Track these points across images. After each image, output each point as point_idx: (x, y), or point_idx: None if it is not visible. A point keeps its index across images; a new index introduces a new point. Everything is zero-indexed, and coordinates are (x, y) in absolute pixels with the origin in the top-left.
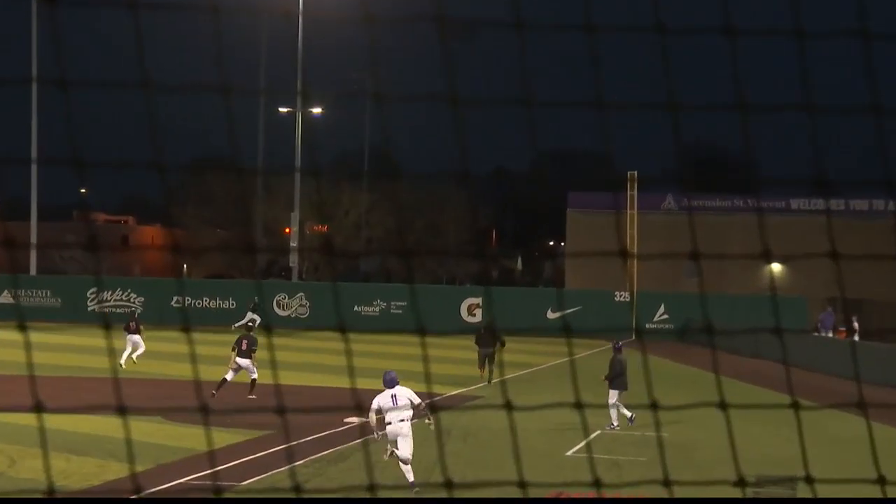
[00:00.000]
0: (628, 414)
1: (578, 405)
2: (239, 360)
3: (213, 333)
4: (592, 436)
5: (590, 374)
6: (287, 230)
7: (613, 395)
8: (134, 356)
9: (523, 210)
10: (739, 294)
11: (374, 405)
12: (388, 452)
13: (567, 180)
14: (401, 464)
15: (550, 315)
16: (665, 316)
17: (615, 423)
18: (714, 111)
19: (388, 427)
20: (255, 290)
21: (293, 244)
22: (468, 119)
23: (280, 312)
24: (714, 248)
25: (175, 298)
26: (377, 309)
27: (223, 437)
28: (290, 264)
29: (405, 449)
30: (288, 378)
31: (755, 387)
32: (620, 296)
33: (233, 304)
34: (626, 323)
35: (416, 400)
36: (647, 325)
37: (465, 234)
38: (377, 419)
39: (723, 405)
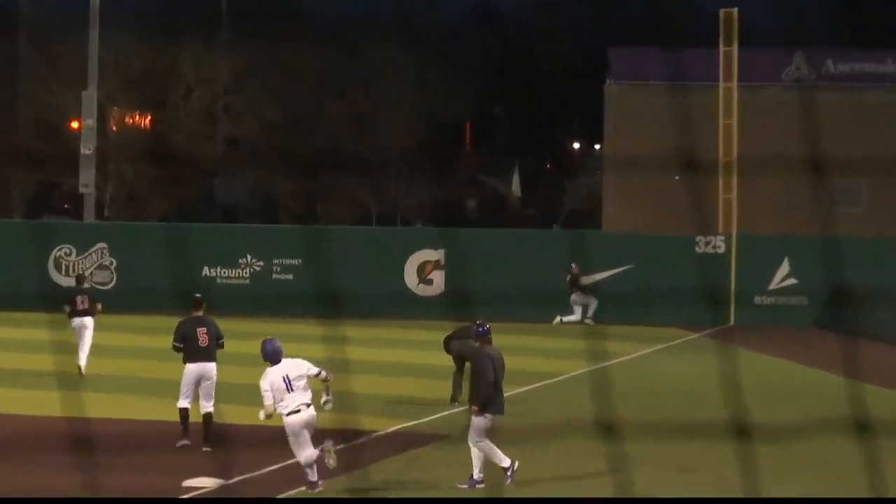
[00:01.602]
0: (503, 463)
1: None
2: None
3: None
4: None
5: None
6: (75, 123)
7: (480, 426)
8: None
9: (523, 84)
10: None
11: (265, 386)
12: (328, 454)
13: (606, 26)
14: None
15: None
16: (791, 280)
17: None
18: None
19: (292, 419)
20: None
21: (86, 150)
22: None
23: (61, 278)
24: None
25: None
26: (246, 272)
27: None
28: (82, 189)
29: (308, 448)
30: (77, 405)
31: None
32: (707, 243)
33: None
34: (717, 293)
35: (314, 370)
36: (757, 298)
37: (416, 132)
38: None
39: None
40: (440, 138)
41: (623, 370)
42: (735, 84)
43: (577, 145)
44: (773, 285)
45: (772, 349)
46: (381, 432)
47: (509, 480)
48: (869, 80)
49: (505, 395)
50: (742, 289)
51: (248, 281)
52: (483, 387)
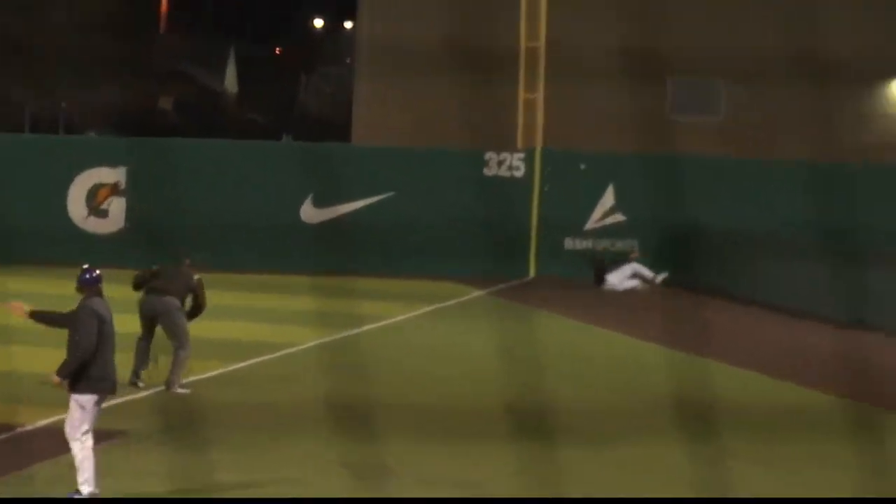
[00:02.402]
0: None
1: None
2: None
3: None
4: None
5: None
6: None
7: (78, 414)
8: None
9: None
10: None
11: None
12: None
13: None
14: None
15: (310, 214)
16: (618, 216)
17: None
18: None
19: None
20: None
21: None
22: None
23: None
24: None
25: None
26: None
27: None
28: None
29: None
30: None
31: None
32: (500, 163)
33: None
34: (512, 233)
35: None
36: (569, 241)
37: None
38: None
39: None
40: (123, 10)
41: (371, 340)
42: None
43: (319, 22)
44: (591, 223)
45: (584, 313)
46: (26, 428)
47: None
48: None
49: (216, 372)
50: (548, 228)
51: None
52: (82, 355)
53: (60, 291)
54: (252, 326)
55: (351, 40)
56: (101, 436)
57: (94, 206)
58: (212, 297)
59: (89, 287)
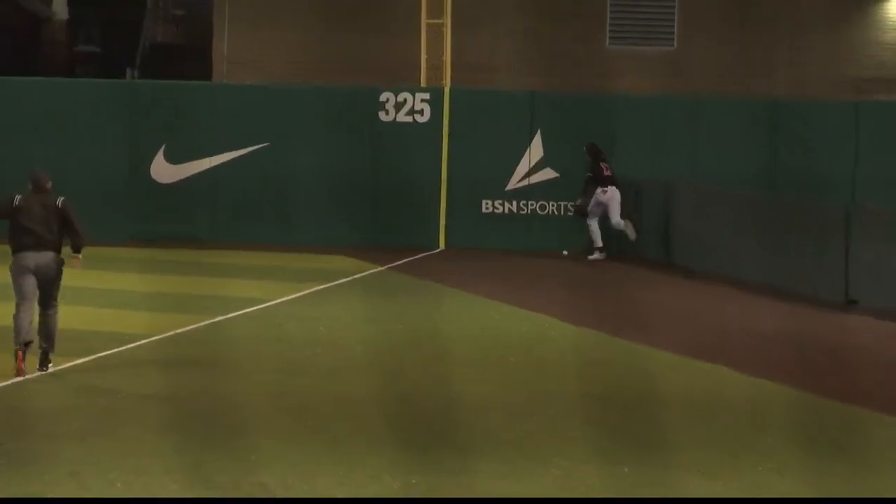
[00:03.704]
0: None
1: None
2: None
3: None
4: None
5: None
6: None
7: None
8: None
9: None
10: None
11: None
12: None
13: None
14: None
15: (162, 171)
16: (548, 171)
17: None
18: None
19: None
20: None
21: None
22: None
23: None
24: None
25: None
26: None
27: None
28: None
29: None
30: None
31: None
32: (400, 106)
33: None
34: (416, 195)
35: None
36: (487, 203)
37: None
38: None
39: None
40: None
41: (236, 329)
42: None
43: None
44: (514, 182)
45: (505, 290)
46: None
47: None
48: None
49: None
50: (458, 186)
51: None
52: None
53: None
54: (91, 313)
55: None
56: None
57: None
58: None
59: None
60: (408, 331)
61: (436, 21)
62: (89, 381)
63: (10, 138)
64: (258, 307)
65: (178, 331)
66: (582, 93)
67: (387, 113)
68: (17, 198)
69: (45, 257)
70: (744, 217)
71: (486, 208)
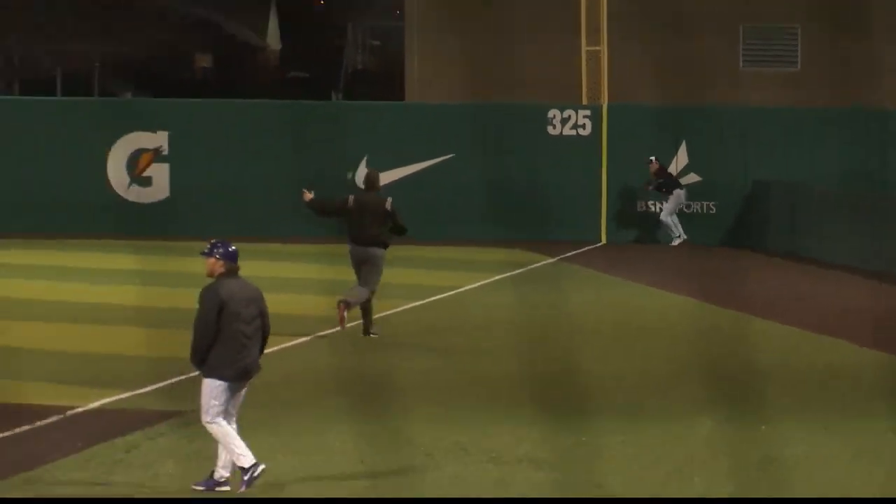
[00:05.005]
0: (240, 461)
1: None
2: None
3: None
4: None
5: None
6: None
7: (210, 395)
8: None
9: None
10: None
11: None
12: None
13: None
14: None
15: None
16: (693, 176)
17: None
18: None
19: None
20: None
21: None
22: None
23: None
24: None
25: None
26: None
27: None
28: None
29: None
30: None
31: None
32: (565, 121)
33: None
34: (579, 196)
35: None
36: (641, 203)
37: None
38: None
39: None
40: None
41: (439, 311)
42: None
43: None
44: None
45: (661, 279)
46: (76, 410)
47: (245, 487)
48: None
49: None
50: (618, 190)
51: None
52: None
53: (109, 266)
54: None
55: None
56: (156, 417)
57: (137, 173)
58: (260, 269)
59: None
60: (575, 312)
61: (594, 48)
62: (306, 357)
63: (253, 152)
64: (449, 293)
65: (384, 314)
66: (719, 106)
67: (554, 127)
68: (351, 198)
69: (365, 253)
70: (858, 212)
71: (640, 208)
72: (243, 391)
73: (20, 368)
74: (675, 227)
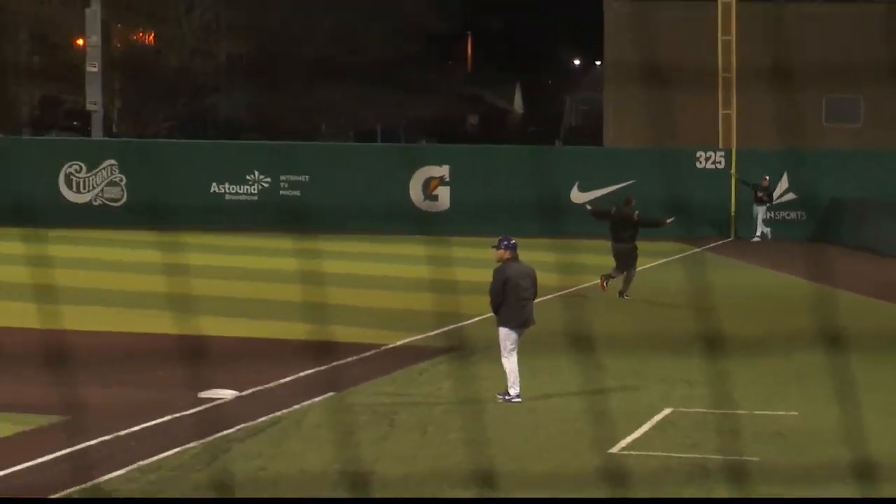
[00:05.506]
0: (511, 388)
1: None
2: None
3: None
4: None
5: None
6: (80, 41)
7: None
8: None
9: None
10: None
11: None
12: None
13: None
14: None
15: (578, 195)
16: (790, 195)
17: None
18: None
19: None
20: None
21: (91, 68)
22: None
23: (72, 196)
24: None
25: None
26: (254, 188)
27: None
28: (89, 106)
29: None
30: (77, 318)
31: None
32: (708, 159)
33: None
34: (716, 207)
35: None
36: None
37: (411, 43)
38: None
39: None
40: (435, 51)
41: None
42: None
43: (576, 61)
44: (774, 198)
45: (772, 262)
46: (389, 346)
47: (503, 400)
48: None
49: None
50: (742, 203)
51: (255, 194)
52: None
53: (408, 252)
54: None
55: (600, 74)
56: (438, 352)
57: (428, 192)
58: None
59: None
60: (731, 286)
61: (726, 111)
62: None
63: (504, 179)
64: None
65: (568, 290)
66: (808, 149)
67: (700, 163)
68: (613, 209)
69: (624, 248)
70: None
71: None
72: (521, 335)
73: (345, 319)
74: (759, 226)
